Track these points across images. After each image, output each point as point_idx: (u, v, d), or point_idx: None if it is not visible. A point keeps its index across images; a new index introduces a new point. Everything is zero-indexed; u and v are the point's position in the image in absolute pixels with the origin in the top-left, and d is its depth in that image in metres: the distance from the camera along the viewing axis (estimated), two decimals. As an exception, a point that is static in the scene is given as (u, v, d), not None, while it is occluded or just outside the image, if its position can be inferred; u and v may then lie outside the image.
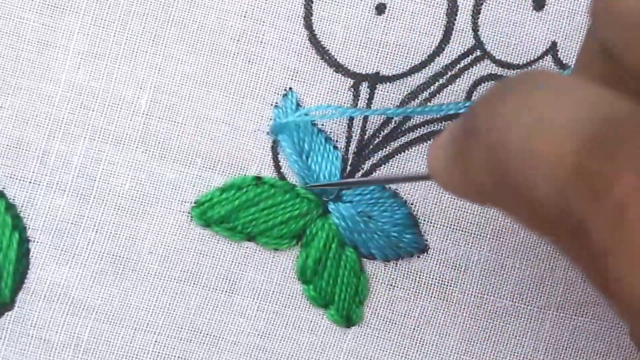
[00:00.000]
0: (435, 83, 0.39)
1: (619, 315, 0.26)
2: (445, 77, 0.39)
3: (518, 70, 0.39)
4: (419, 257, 0.39)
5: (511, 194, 0.24)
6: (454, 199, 0.39)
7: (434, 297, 0.39)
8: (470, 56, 0.39)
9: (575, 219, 0.22)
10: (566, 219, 0.22)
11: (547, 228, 0.24)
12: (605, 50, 0.26)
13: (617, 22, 0.24)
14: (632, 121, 0.21)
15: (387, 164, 0.39)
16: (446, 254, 0.39)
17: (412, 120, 0.39)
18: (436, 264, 0.39)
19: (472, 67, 0.39)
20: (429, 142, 0.39)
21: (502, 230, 0.39)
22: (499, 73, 0.39)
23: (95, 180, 0.38)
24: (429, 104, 0.39)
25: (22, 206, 0.38)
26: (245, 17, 0.38)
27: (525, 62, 0.39)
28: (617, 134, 0.21)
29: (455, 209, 0.39)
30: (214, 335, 0.39)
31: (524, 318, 0.39)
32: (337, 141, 0.39)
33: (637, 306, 0.20)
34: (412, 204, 0.39)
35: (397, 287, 0.39)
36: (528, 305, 0.39)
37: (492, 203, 0.27)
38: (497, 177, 0.24)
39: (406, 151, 0.39)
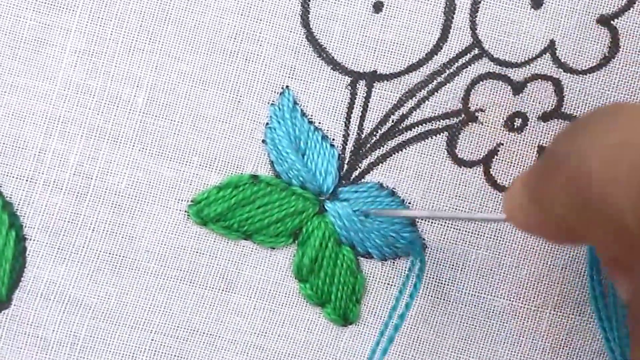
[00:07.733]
0: (432, 81, 0.39)
1: None
2: (443, 76, 0.39)
3: (516, 68, 0.38)
4: (416, 255, 0.39)
5: (593, 224, 0.24)
6: (451, 198, 0.39)
7: (431, 296, 0.39)
8: (468, 54, 0.39)
9: None
10: None
11: (632, 254, 0.23)
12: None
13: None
14: None
15: (384, 162, 0.39)
16: (443, 252, 0.39)
17: (409, 118, 0.39)
18: (433, 263, 0.39)
19: (470, 66, 0.39)
20: (426, 140, 0.39)
21: (499, 230, 0.39)
22: (497, 71, 0.38)
23: (92, 178, 0.38)
24: (426, 102, 0.39)
25: (18, 204, 0.38)
26: (242, 15, 0.38)
27: (523, 60, 0.38)
28: None
29: (452, 208, 0.39)
30: (211, 334, 0.39)
31: (521, 317, 0.39)
32: (334, 139, 0.39)
33: None
34: (409, 203, 0.39)
35: (394, 286, 0.39)
36: (525, 305, 0.39)
37: (571, 237, 0.27)
38: (579, 206, 0.24)
39: (403, 150, 0.39)
